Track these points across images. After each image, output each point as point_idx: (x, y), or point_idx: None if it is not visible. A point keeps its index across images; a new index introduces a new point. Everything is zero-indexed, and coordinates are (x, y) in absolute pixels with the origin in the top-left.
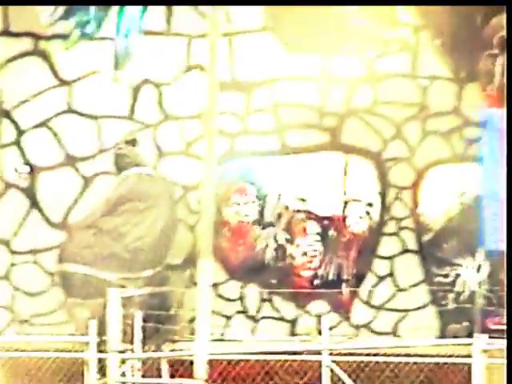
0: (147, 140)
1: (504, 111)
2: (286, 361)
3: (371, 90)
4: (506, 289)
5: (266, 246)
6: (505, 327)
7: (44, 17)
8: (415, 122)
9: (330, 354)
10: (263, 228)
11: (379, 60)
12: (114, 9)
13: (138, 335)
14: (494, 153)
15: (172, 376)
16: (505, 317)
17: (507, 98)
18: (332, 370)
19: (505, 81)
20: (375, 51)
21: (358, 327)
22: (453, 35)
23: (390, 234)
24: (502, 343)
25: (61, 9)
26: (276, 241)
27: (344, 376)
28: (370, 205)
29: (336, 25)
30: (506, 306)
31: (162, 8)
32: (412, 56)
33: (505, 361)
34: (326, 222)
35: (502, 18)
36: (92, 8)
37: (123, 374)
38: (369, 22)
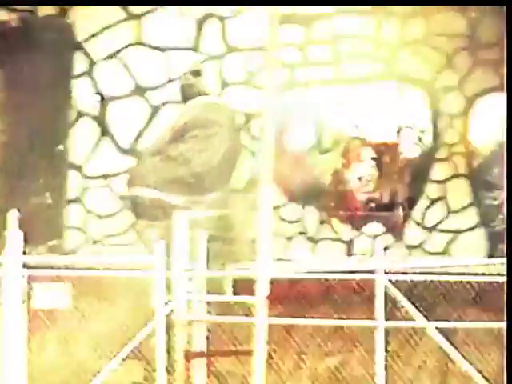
0: (211, 71)
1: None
2: (344, 279)
3: (424, 22)
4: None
5: (325, 170)
6: None
7: None
8: (465, 53)
9: (386, 274)
10: (321, 154)
11: None
12: None
13: (203, 255)
14: None
15: (235, 294)
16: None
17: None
18: (387, 288)
19: None
20: None
21: (411, 248)
22: None
23: (442, 160)
24: None
25: None
26: (334, 166)
27: (398, 294)
28: (423, 131)
29: None
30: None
31: None
32: None
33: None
34: (380, 148)
35: None
36: None
37: (189, 292)
38: None
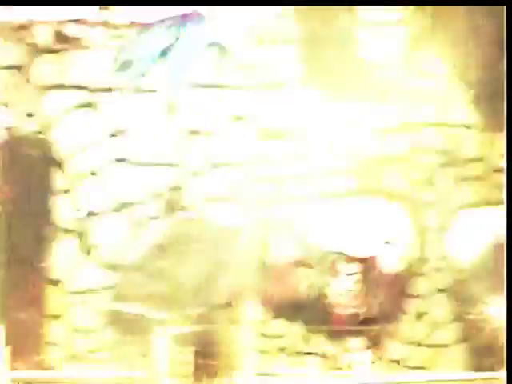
0: (194, 186)
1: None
2: None
3: (405, 138)
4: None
5: (307, 286)
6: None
7: (99, 70)
8: (447, 169)
9: None
10: (304, 269)
11: (410, 110)
12: (160, 61)
13: (186, 371)
14: None
15: None
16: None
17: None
18: None
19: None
20: (405, 101)
21: (393, 362)
22: (483, 87)
23: (423, 275)
24: None
25: (119, 61)
26: (316, 282)
27: None
28: (404, 246)
29: (365, 74)
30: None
31: (209, 60)
32: (442, 105)
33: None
34: (362, 263)
35: None
36: (149, 59)
37: None
38: (397, 72)
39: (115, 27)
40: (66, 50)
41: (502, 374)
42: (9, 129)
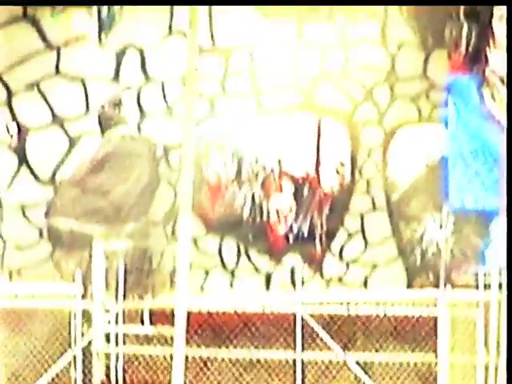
0: (130, 101)
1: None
2: (262, 312)
3: (343, 55)
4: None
5: (244, 202)
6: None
7: None
8: (384, 86)
9: (303, 306)
10: (240, 186)
11: (350, 27)
12: None
13: (122, 286)
14: (458, 115)
15: (153, 325)
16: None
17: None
18: (305, 321)
19: (470, 47)
20: (346, 19)
21: (329, 280)
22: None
23: (361, 193)
24: (466, 295)
25: None
26: (253, 198)
27: (317, 327)
28: (342, 164)
29: None
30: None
31: None
32: (381, 23)
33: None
34: (299, 181)
35: None
36: None
37: (108, 322)
38: None
39: None
40: None
41: (436, 291)
42: None
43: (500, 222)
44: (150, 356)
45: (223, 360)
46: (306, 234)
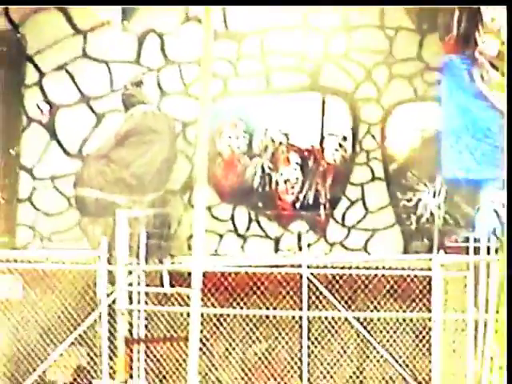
0: (151, 82)
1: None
2: (271, 273)
3: (345, 39)
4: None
5: (254, 173)
6: (463, 245)
7: None
8: (383, 67)
9: (309, 268)
10: (251, 158)
11: (351, 13)
12: None
13: (143, 250)
14: (451, 93)
15: (172, 286)
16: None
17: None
18: (310, 281)
19: (460, 31)
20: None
21: (332, 244)
22: None
23: (361, 164)
24: (457, 258)
25: None
26: (262, 169)
27: (320, 286)
28: (344, 138)
29: None
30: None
31: None
32: (380, 10)
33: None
34: (305, 154)
35: None
36: None
37: (130, 284)
38: None
39: None
40: None
41: (430, 254)
42: None
43: (489, 191)
44: (169, 314)
45: (235, 317)
46: (311, 202)
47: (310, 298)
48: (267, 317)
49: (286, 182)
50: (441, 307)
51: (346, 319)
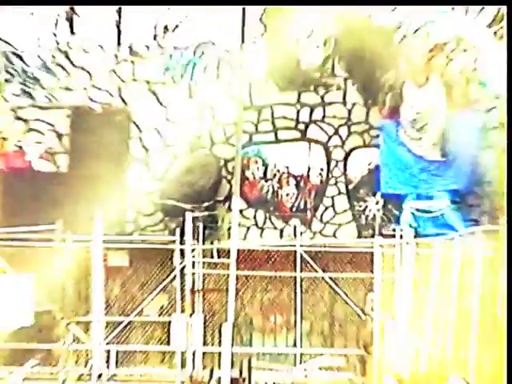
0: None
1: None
2: (278, 250)
3: (325, 110)
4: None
5: (267, 190)
6: None
7: None
8: (345, 127)
9: (301, 246)
10: (266, 181)
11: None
12: None
13: (201, 236)
14: (385, 142)
15: (218, 257)
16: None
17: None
18: (302, 255)
19: (391, 106)
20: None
21: (315, 233)
22: (365, 77)
23: (332, 185)
24: (389, 241)
25: None
26: (273, 188)
27: (308, 258)
28: (322, 169)
29: None
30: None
31: None
32: (343, 92)
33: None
34: (298, 178)
35: (391, 78)
36: None
37: (193, 256)
38: None
39: None
40: None
41: (374, 239)
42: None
43: (408, 201)
44: (217, 275)
45: (255, 277)
46: (301, 207)
47: (301, 265)
48: (275, 276)
49: (287, 195)
50: (379, 270)
51: (323, 278)
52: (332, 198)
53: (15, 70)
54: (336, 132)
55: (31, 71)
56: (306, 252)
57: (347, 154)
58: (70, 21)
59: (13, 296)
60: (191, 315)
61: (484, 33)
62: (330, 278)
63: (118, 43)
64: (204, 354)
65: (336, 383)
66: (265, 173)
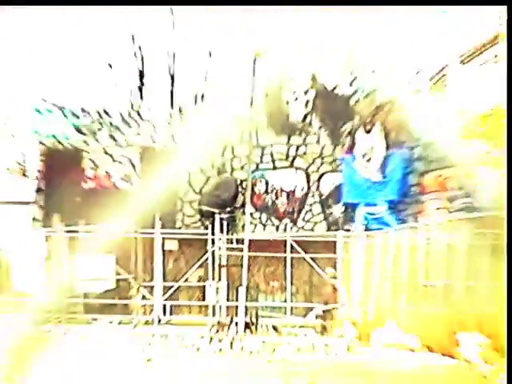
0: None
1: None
2: (275, 240)
3: (307, 147)
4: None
5: (268, 200)
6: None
7: None
8: (318, 159)
9: (291, 237)
10: (267, 194)
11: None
12: None
13: (225, 230)
14: (345, 170)
15: (238, 244)
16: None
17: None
18: (291, 244)
19: (349, 143)
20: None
21: (299, 228)
22: (332, 127)
23: (311, 197)
24: (348, 233)
25: None
26: (271, 199)
27: (295, 244)
28: (302, 188)
29: None
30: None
31: None
32: (317, 136)
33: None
34: (289, 192)
35: (349, 127)
36: None
37: (220, 243)
38: None
39: None
40: None
41: (338, 232)
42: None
43: (360, 208)
44: (236, 256)
45: (260, 257)
46: (290, 211)
47: (291, 249)
48: (273, 257)
49: (281, 203)
50: (341, 253)
51: (304, 258)
52: (310, 205)
53: (104, 122)
54: (313, 162)
55: (115, 123)
56: (294, 241)
57: (320, 176)
58: (140, 90)
59: (102, 269)
60: (218, 282)
61: (410, 97)
62: (311, 259)
63: (171, 107)
64: (227, 307)
65: (314, 325)
66: (266, 189)
